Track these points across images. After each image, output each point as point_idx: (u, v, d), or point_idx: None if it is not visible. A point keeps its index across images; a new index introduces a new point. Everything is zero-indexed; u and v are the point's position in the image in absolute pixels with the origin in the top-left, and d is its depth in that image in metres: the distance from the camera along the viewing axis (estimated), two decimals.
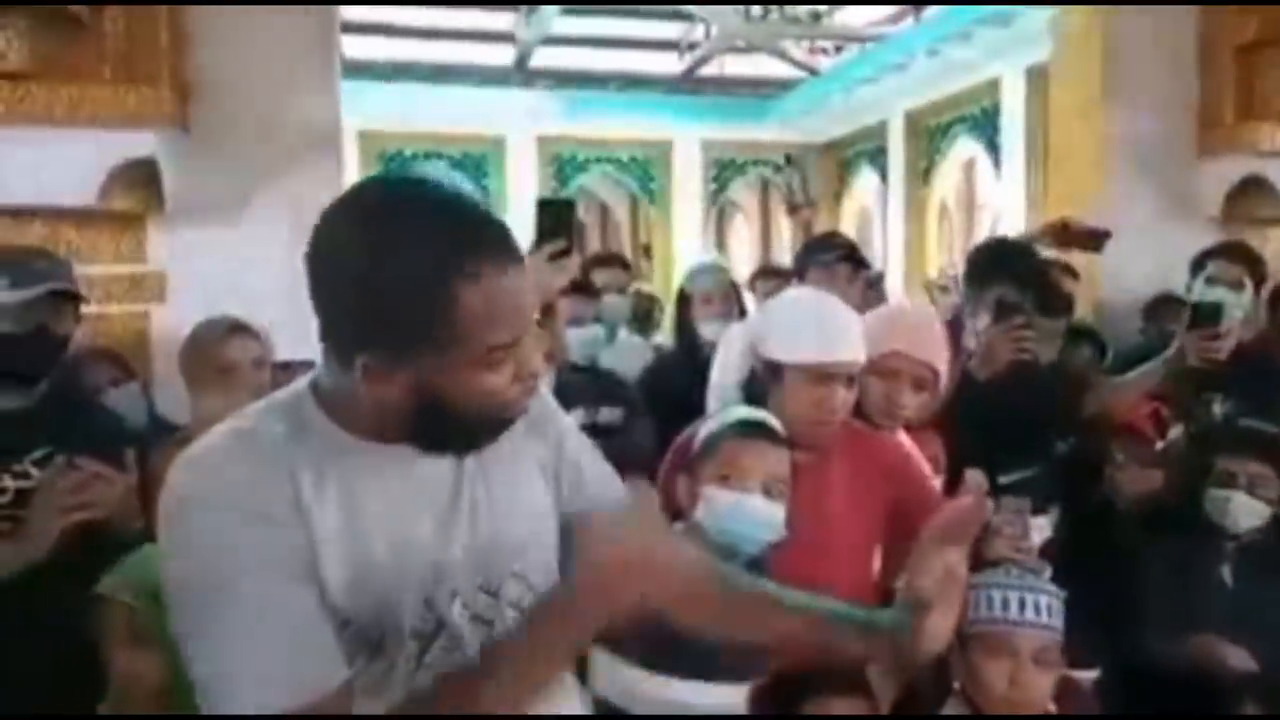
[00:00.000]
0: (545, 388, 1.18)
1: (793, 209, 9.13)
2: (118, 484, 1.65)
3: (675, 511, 1.64)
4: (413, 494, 0.99)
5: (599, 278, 3.06)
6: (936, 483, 2.17)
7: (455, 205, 0.91)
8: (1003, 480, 2.22)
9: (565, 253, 1.69)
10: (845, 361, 1.74)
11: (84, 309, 2.01)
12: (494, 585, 1.03)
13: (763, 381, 1.80)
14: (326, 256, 0.91)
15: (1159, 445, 2.59)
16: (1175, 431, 2.55)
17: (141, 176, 2.57)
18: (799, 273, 2.74)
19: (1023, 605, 1.58)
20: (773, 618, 1.18)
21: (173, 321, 2.63)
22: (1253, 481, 2.22)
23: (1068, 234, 3.07)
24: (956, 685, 1.66)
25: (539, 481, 1.12)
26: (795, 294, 2.12)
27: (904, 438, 2.15)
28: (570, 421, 1.21)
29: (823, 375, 1.73)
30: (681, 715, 1.56)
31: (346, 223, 0.91)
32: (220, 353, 1.96)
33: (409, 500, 0.99)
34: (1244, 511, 2.21)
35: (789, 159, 9.20)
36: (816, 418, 1.74)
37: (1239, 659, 2.10)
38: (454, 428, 0.96)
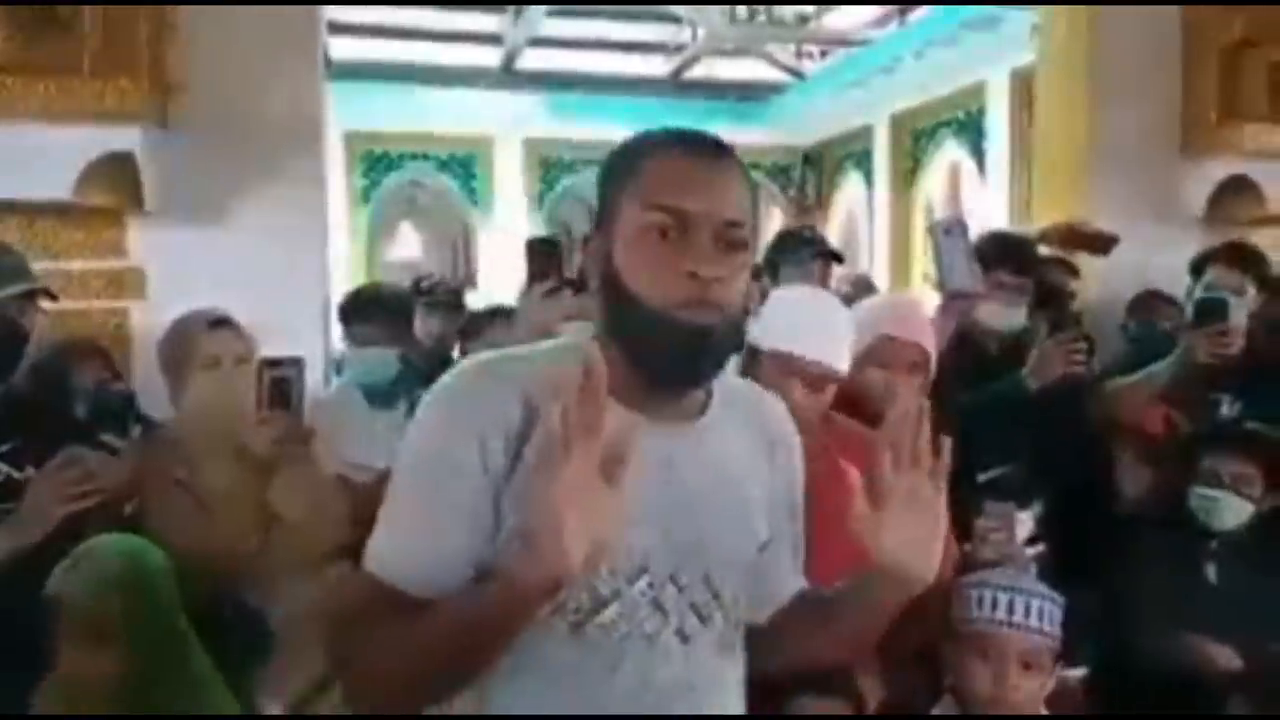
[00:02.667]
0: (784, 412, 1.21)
1: (802, 209, 9.09)
2: (118, 475, 1.65)
3: None
4: (634, 464, 0.95)
5: None
6: None
7: (694, 130, 1.06)
8: (982, 478, 2.23)
9: (556, 290, 1.87)
10: (810, 359, 1.69)
11: (62, 306, 1.99)
12: (684, 581, 1.03)
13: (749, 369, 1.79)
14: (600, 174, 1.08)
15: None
16: (1186, 433, 2.53)
17: (120, 172, 2.54)
18: (771, 269, 2.73)
19: (1011, 607, 1.58)
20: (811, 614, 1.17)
21: (153, 319, 2.60)
22: (1237, 480, 2.22)
23: (1074, 236, 3.08)
24: (947, 684, 1.66)
25: (759, 505, 1.11)
26: (801, 290, 2.15)
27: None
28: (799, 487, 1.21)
29: (787, 367, 1.69)
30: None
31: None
32: (201, 347, 1.93)
33: (630, 468, 0.96)
34: (1228, 510, 2.22)
35: (807, 158, 9.11)
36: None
37: (1224, 657, 2.10)
38: (629, 317, 0.99)
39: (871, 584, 1.06)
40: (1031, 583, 1.64)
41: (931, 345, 2.01)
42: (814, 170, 8.98)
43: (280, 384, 1.82)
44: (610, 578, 0.99)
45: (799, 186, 9.19)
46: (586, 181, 9.38)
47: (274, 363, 1.86)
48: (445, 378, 1.05)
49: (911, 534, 1.01)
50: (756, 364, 1.76)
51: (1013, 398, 2.30)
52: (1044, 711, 1.61)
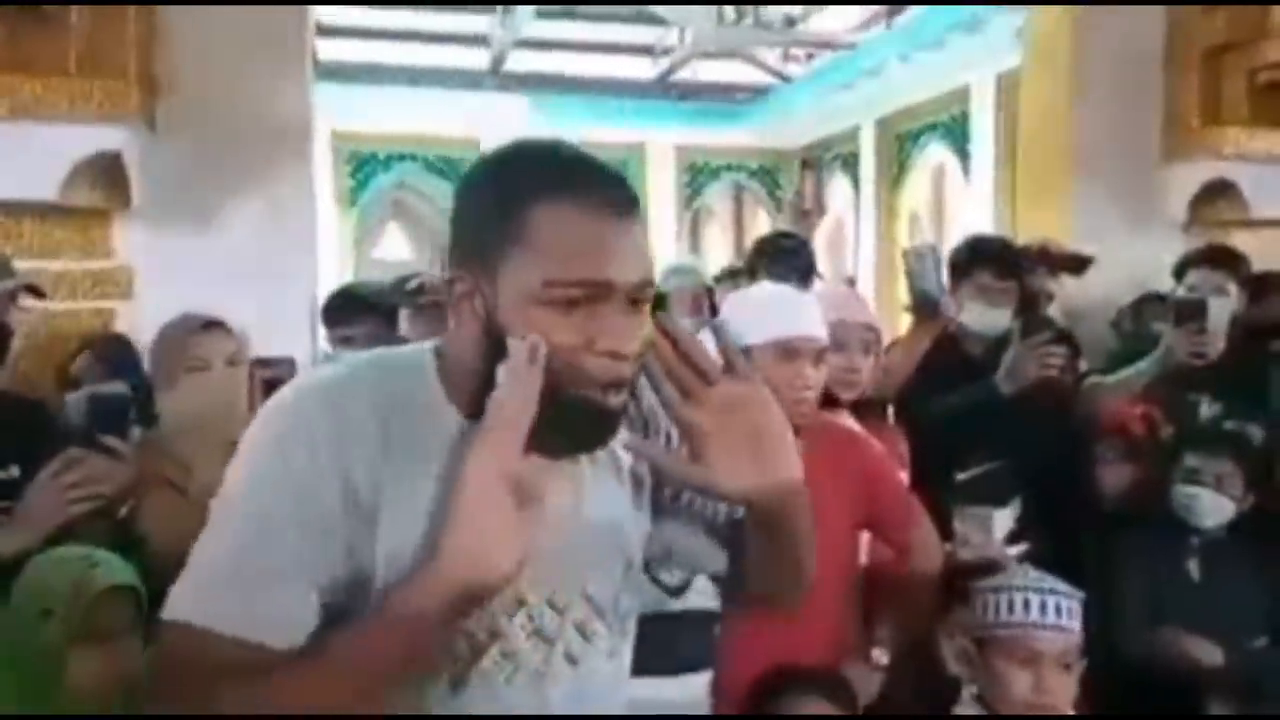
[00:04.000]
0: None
1: (803, 213, 9.09)
2: (120, 478, 1.64)
3: None
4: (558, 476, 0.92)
5: None
6: (903, 477, 2.20)
7: (577, 154, 0.91)
8: (961, 477, 2.25)
9: None
10: (809, 335, 1.78)
11: (49, 305, 1.99)
12: (561, 602, 0.97)
13: None
14: (458, 192, 0.93)
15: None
16: (1167, 433, 2.56)
17: (107, 171, 2.54)
18: (752, 272, 2.75)
19: (1044, 608, 1.56)
20: None
21: (140, 319, 2.60)
22: (1219, 479, 2.25)
23: (1048, 256, 3.10)
24: (973, 690, 1.63)
25: (626, 500, 1.02)
26: (756, 286, 2.22)
27: (871, 439, 2.17)
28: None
29: (789, 351, 1.77)
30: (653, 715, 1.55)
31: (481, 162, 0.93)
32: (191, 349, 1.92)
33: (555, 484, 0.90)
34: (1210, 508, 2.25)
35: (805, 162, 9.08)
36: (790, 396, 1.74)
37: (1206, 653, 2.12)
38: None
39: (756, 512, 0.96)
40: (1056, 582, 1.61)
41: (878, 324, 2.14)
42: (812, 174, 8.96)
43: (273, 385, 1.82)
44: (487, 617, 0.92)
45: (796, 190, 9.19)
46: None
47: (266, 363, 1.86)
48: (288, 400, 0.92)
49: (742, 441, 0.90)
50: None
51: (985, 401, 2.33)
52: (1070, 712, 1.59)
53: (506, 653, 0.94)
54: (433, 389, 0.93)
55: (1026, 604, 1.56)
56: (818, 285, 2.83)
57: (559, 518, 0.94)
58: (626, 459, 1.02)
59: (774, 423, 0.92)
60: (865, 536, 2.00)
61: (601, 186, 0.88)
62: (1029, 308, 2.73)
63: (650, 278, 0.91)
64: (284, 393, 0.93)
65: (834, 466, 1.81)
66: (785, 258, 2.76)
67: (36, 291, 2.14)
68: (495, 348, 0.87)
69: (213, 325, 1.95)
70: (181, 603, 0.86)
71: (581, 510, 0.98)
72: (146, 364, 2.03)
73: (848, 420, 2.10)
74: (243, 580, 0.85)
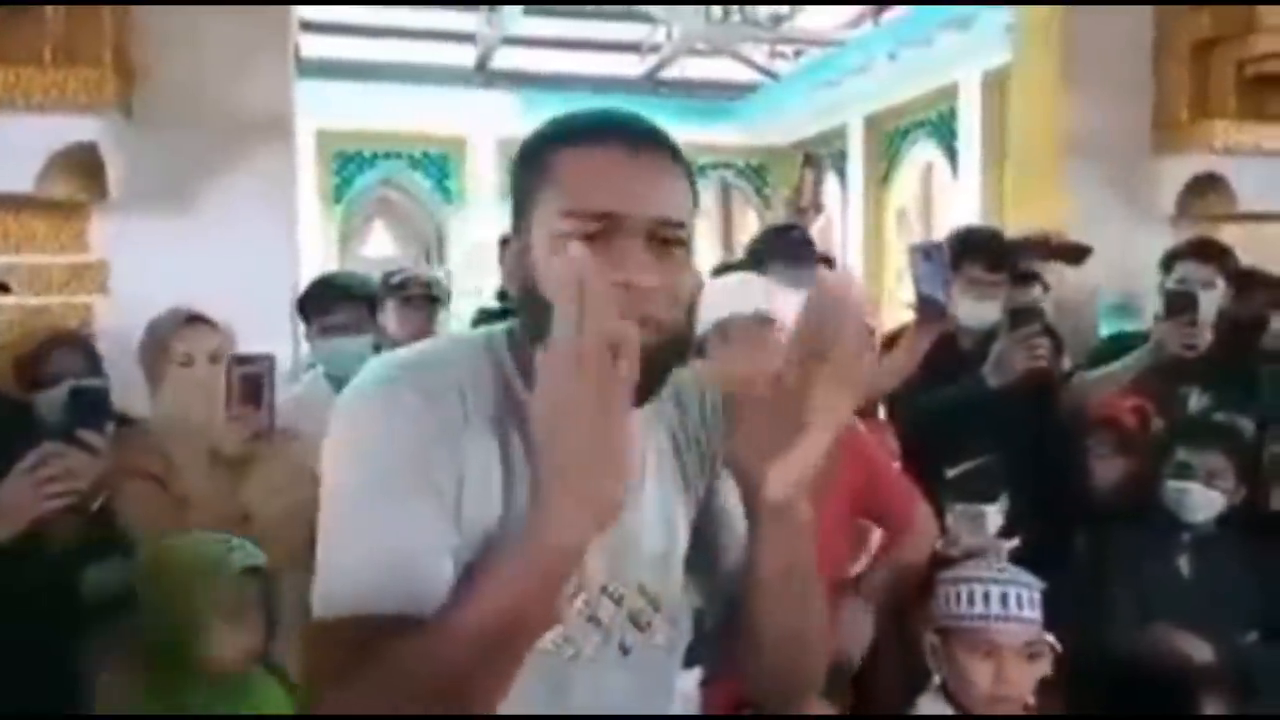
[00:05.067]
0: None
1: (799, 210, 9.07)
2: (94, 472, 1.62)
3: None
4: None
5: None
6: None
7: (610, 110, 0.94)
8: (951, 473, 2.23)
9: None
10: (754, 312, 1.81)
11: (24, 300, 1.96)
12: (619, 592, 0.97)
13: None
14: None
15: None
16: (1158, 426, 2.55)
17: (82, 163, 2.50)
18: (755, 265, 2.71)
19: (1004, 600, 1.56)
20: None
21: (116, 313, 2.56)
22: (1209, 473, 2.24)
23: (1048, 246, 3.09)
24: (936, 680, 1.63)
25: (678, 494, 1.03)
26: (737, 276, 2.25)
27: (869, 437, 2.16)
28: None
29: (742, 329, 1.80)
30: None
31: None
32: (176, 345, 1.93)
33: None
34: (1200, 503, 2.23)
35: (807, 158, 9.00)
36: (747, 375, 1.74)
37: (1196, 648, 2.11)
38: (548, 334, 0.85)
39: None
40: (1017, 573, 1.62)
41: (874, 320, 2.13)
42: (812, 171, 8.93)
43: (250, 381, 1.79)
44: None
45: (795, 187, 9.16)
46: None
47: (244, 360, 1.84)
48: (369, 385, 0.92)
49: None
50: (712, 349, 1.85)
51: (974, 396, 2.31)
52: (1031, 702, 1.59)
53: (566, 637, 0.94)
54: (507, 366, 0.95)
55: (986, 596, 1.57)
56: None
57: (626, 511, 0.93)
58: (681, 384, 1.04)
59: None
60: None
61: (620, 128, 0.91)
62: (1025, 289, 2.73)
63: (678, 217, 0.91)
64: (361, 388, 0.92)
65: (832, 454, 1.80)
66: (796, 247, 2.73)
67: (3, 288, 2.11)
68: (529, 299, 0.90)
69: (196, 320, 1.95)
70: (337, 598, 0.86)
71: (650, 500, 0.99)
72: (136, 359, 2.01)
73: None
74: (391, 561, 0.86)
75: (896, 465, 2.17)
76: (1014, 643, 1.55)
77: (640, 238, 0.88)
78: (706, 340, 1.86)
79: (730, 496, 1.04)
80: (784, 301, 1.89)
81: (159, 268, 2.54)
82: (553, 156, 0.90)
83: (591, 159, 0.89)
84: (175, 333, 1.93)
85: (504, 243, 0.95)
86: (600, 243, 0.87)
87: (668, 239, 0.90)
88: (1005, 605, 1.56)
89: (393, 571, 0.85)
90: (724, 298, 1.89)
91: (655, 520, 1.00)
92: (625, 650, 0.98)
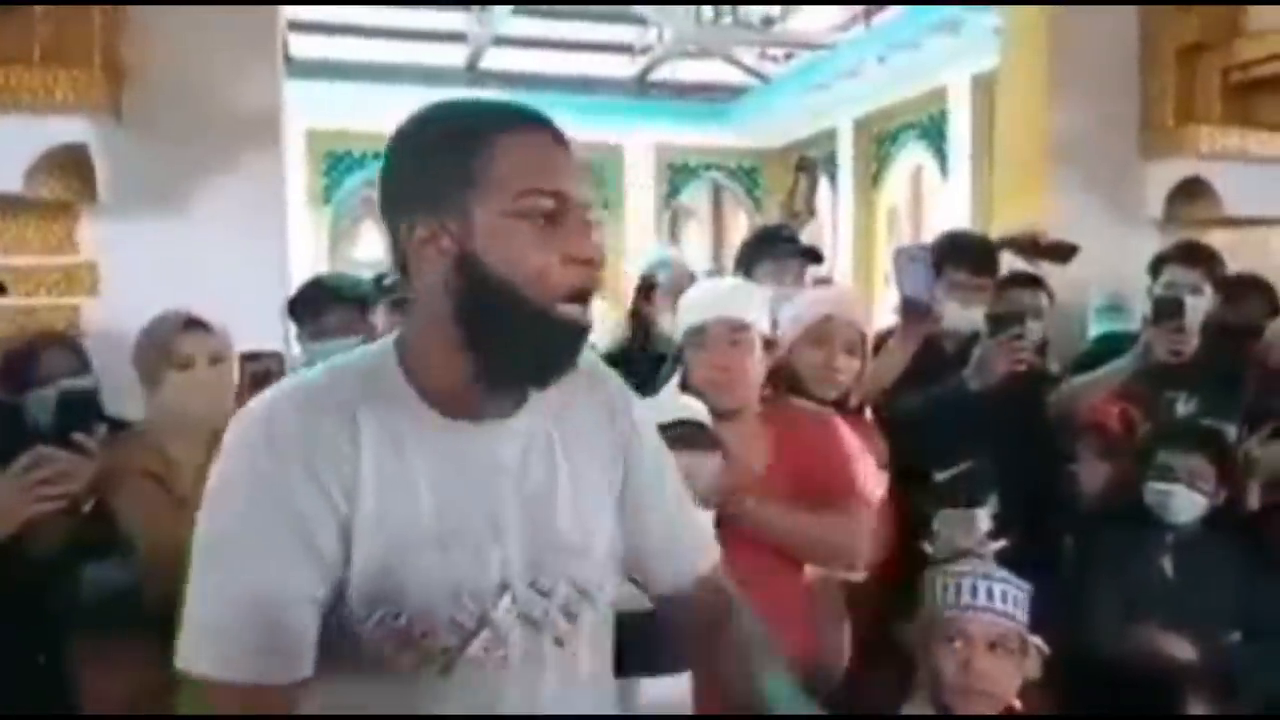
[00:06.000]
0: (621, 383, 1.14)
1: (793, 215, 9.06)
2: (86, 474, 1.62)
3: None
4: (475, 477, 0.95)
5: None
6: (880, 477, 2.20)
7: (510, 101, 0.97)
8: (938, 477, 2.25)
9: None
10: (726, 318, 1.81)
11: (12, 302, 1.96)
12: (547, 586, 0.98)
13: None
14: (385, 151, 0.97)
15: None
16: (1144, 431, 2.57)
17: (71, 164, 2.48)
18: (746, 264, 2.73)
19: (974, 591, 1.60)
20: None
21: (106, 315, 2.55)
22: (1192, 475, 2.25)
23: (1035, 246, 3.11)
24: (918, 679, 1.65)
25: (604, 484, 1.06)
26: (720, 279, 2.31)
27: (846, 429, 2.16)
28: (652, 434, 1.15)
29: (713, 335, 1.81)
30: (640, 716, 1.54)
31: (405, 120, 0.97)
32: (177, 348, 1.95)
33: (469, 483, 0.94)
34: (1183, 504, 2.25)
35: (801, 163, 8.95)
36: (711, 378, 1.79)
37: (1180, 648, 2.13)
38: (504, 314, 0.90)
39: None
40: (993, 568, 1.65)
41: (868, 328, 2.13)
42: (807, 176, 8.92)
43: (261, 378, 1.81)
44: (472, 603, 0.93)
45: (789, 191, 9.17)
46: None
47: (254, 357, 1.86)
48: (254, 416, 0.92)
49: None
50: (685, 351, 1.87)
51: (956, 399, 2.32)
52: (1017, 705, 1.61)
53: (495, 639, 0.94)
54: (396, 381, 0.95)
55: (958, 588, 1.60)
56: (809, 280, 2.82)
57: (541, 497, 0.98)
58: (622, 402, 1.09)
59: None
60: None
61: (537, 118, 0.96)
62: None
63: (592, 200, 1.00)
64: (250, 410, 0.93)
65: (780, 447, 1.83)
66: (781, 242, 2.75)
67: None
68: (472, 279, 0.91)
69: (195, 324, 1.98)
70: (196, 656, 0.88)
71: (567, 490, 1.00)
72: (131, 361, 2.02)
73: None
74: (248, 624, 0.87)
75: (883, 473, 2.17)
76: (983, 634, 1.56)
77: (580, 217, 0.94)
78: (684, 345, 1.87)
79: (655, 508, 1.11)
80: (762, 307, 1.90)
81: (148, 269, 2.53)
82: (493, 143, 0.92)
83: (534, 144, 0.93)
84: (176, 336, 1.96)
85: (410, 228, 0.93)
86: (551, 221, 0.91)
87: (589, 220, 0.95)
88: (975, 596, 1.58)
89: (252, 634, 0.87)
90: (700, 302, 1.89)
91: (585, 510, 1.02)
92: (560, 643, 0.99)
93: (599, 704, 1.04)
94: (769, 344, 1.86)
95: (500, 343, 0.92)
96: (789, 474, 1.81)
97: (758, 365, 1.83)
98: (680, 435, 1.60)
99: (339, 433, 0.90)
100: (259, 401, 0.93)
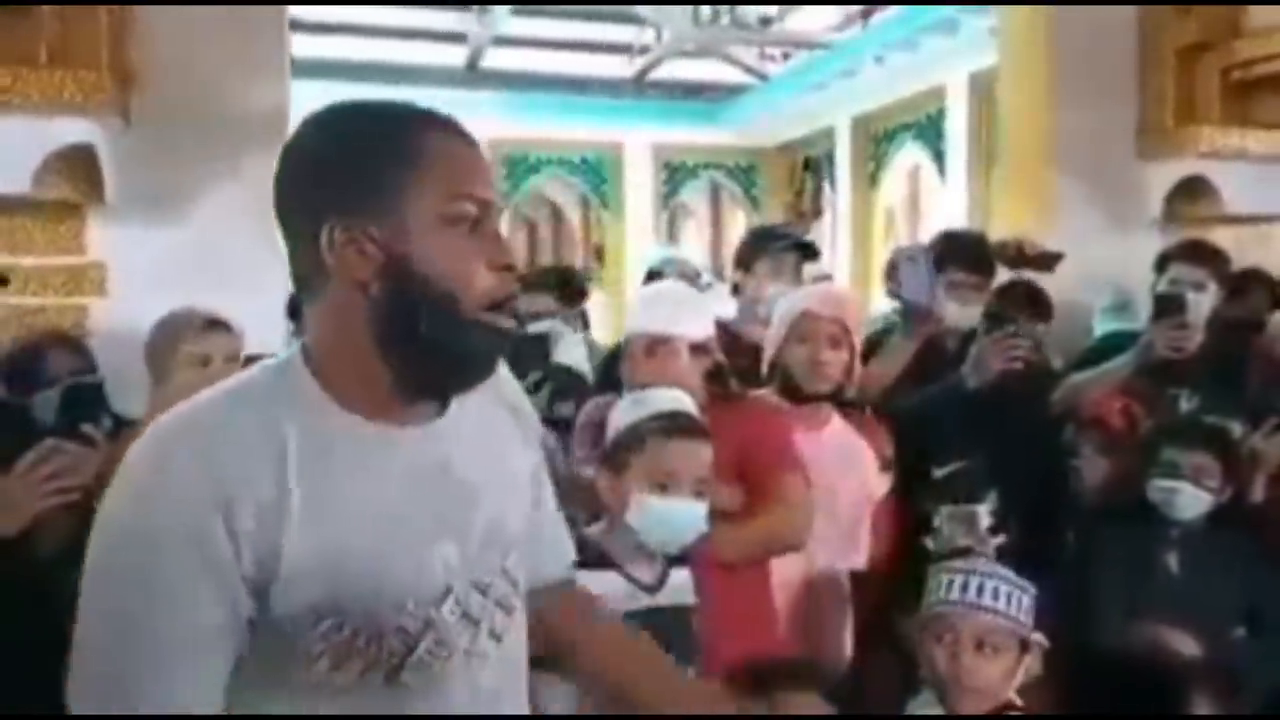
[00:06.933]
0: (509, 374, 1.17)
1: (799, 214, 9.04)
2: (97, 466, 1.61)
3: (595, 506, 1.66)
4: (406, 480, 0.93)
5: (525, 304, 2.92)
6: (883, 477, 2.22)
7: (417, 105, 0.96)
8: (938, 473, 2.26)
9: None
10: (643, 331, 1.90)
11: (21, 301, 1.96)
12: (485, 582, 0.98)
13: None
14: (290, 152, 0.94)
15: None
16: (1147, 427, 2.58)
17: (79, 164, 2.49)
18: (744, 263, 2.74)
19: (965, 587, 1.60)
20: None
21: (113, 315, 2.56)
22: (1197, 472, 2.26)
23: (1021, 256, 3.12)
24: (921, 675, 1.67)
25: (526, 482, 1.10)
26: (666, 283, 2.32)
27: (849, 431, 2.18)
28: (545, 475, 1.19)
29: (632, 348, 1.90)
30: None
31: (311, 121, 0.95)
32: (194, 346, 1.95)
33: (400, 486, 0.92)
34: (1188, 501, 2.26)
35: (807, 163, 8.91)
36: (632, 387, 1.83)
37: (1184, 645, 2.14)
38: (436, 319, 0.89)
39: None
40: (990, 566, 1.65)
41: (853, 323, 2.16)
42: (814, 175, 8.89)
43: None
44: (417, 609, 0.91)
45: (796, 190, 9.16)
46: (552, 180, 9.37)
47: (257, 360, 1.85)
48: (144, 455, 0.88)
49: None
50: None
51: (954, 396, 2.34)
52: (1017, 700, 1.62)
53: (439, 640, 0.93)
54: (314, 392, 0.92)
55: (950, 584, 1.61)
56: (808, 278, 2.84)
57: (471, 494, 0.98)
58: (519, 401, 1.17)
59: None
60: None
61: (459, 125, 0.95)
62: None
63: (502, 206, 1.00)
64: (139, 448, 0.89)
65: (720, 437, 1.83)
66: (777, 239, 2.76)
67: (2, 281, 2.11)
68: (401, 284, 0.89)
69: (216, 324, 1.98)
70: (81, 700, 0.86)
71: (494, 485, 1.01)
72: (144, 358, 2.02)
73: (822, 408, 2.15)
74: (140, 688, 0.85)
75: (887, 476, 2.21)
76: (971, 631, 1.57)
77: (495, 224, 0.95)
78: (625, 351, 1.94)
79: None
80: (696, 314, 1.95)
81: (156, 269, 2.54)
82: (422, 143, 0.91)
83: (459, 148, 0.93)
84: (193, 335, 1.96)
85: (330, 231, 0.90)
86: (474, 227, 0.92)
87: (496, 226, 0.96)
88: (965, 592, 1.59)
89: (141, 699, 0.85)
90: (636, 310, 1.98)
91: (516, 502, 1.05)
92: (496, 637, 0.99)
93: (525, 695, 1.08)
94: (698, 349, 1.92)
95: (428, 348, 0.90)
96: (728, 464, 1.82)
97: (684, 373, 1.86)
98: (673, 425, 1.63)
99: (244, 454, 0.86)
100: (145, 444, 0.89)
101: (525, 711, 1.07)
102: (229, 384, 0.95)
